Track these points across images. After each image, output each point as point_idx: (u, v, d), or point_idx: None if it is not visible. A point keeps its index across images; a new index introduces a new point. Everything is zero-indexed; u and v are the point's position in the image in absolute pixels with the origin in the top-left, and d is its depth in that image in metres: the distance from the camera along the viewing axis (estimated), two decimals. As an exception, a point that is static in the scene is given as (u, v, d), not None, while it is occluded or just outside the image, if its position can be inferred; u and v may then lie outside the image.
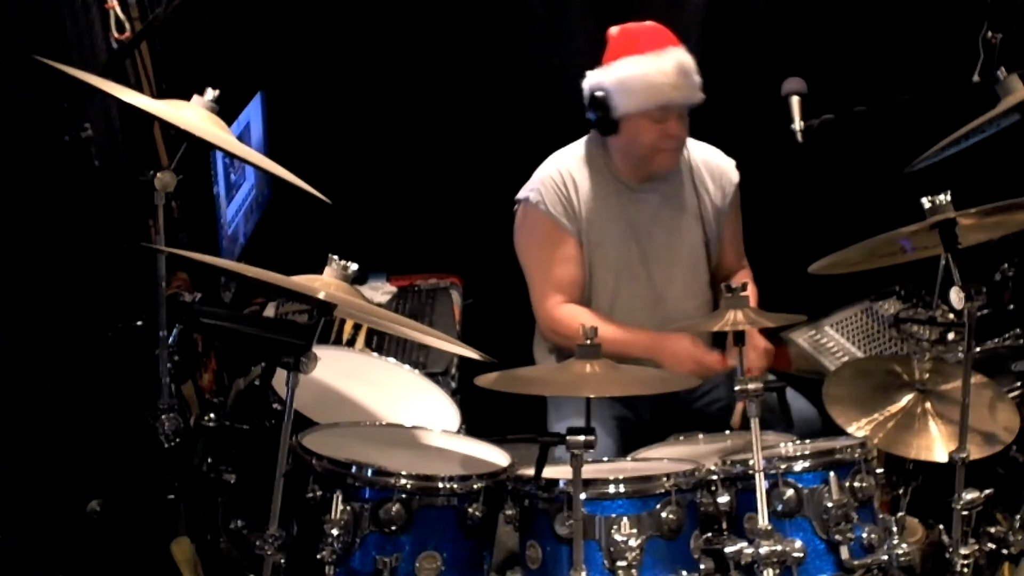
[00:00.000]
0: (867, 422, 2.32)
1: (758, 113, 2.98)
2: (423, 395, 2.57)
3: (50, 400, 2.31)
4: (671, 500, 2.01)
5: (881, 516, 2.13)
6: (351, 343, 3.04)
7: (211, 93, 2.20)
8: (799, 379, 2.85)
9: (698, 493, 2.09)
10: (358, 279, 2.08)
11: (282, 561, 1.94)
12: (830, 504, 2.05)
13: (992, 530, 2.34)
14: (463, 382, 2.99)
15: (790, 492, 2.06)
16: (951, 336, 2.70)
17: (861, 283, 3.04)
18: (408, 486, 1.99)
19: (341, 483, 1.99)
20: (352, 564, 1.98)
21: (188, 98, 2.20)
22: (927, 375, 2.41)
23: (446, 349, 2.43)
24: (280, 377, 1.94)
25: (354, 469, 2.00)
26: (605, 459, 2.39)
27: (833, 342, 3.00)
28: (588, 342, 2.01)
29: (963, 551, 2.15)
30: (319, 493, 2.00)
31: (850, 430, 2.30)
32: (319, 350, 1.92)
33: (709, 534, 2.08)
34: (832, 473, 2.07)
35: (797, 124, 2.58)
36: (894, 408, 2.36)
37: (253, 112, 3.29)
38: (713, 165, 2.92)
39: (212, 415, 2.33)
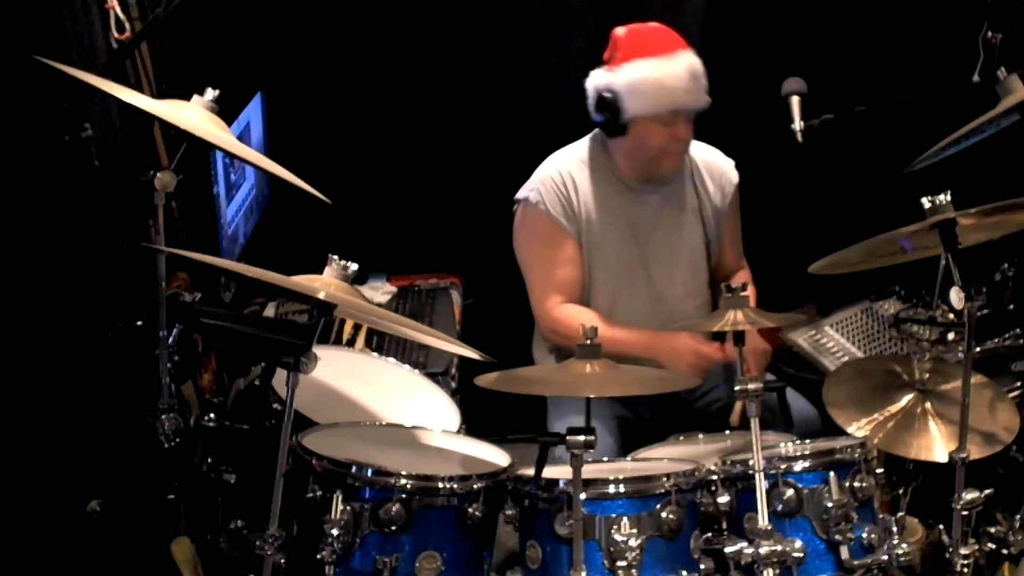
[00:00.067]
0: (867, 422, 2.32)
1: (758, 113, 2.98)
2: (423, 395, 2.57)
3: (50, 400, 2.31)
4: (671, 500, 2.01)
5: (881, 516, 2.13)
6: (351, 343, 3.04)
7: (211, 93, 2.20)
8: (799, 379, 2.85)
9: (698, 493, 2.09)
10: (358, 279, 2.08)
11: (282, 561, 1.94)
12: (830, 504, 2.05)
13: (992, 530, 2.34)
14: (463, 382, 2.99)
15: (790, 492, 2.06)
16: (951, 336, 2.70)
17: (861, 283, 3.04)
18: (408, 486, 1.99)
19: (341, 483, 1.99)
20: (352, 564, 1.98)
21: (188, 98, 2.20)
22: (927, 375, 2.41)
23: (446, 349, 2.43)
24: (280, 377, 1.94)
25: (354, 469, 2.00)
26: (605, 459, 2.39)
27: (833, 342, 3.00)
28: (588, 342, 2.01)
29: (963, 551, 2.15)
30: (319, 493, 2.00)
31: (850, 430, 2.30)
32: (319, 350, 1.92)
33: (709, 534, 2.08)
34: (832, 473, 2.07)
35: (797, 124, 2.58)
36: (894, 408, 2.36)
37: (253, 112, 3.29)
38: (713, 165, 2.92)
39: (212, 415, 2.33)
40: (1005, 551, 2.34)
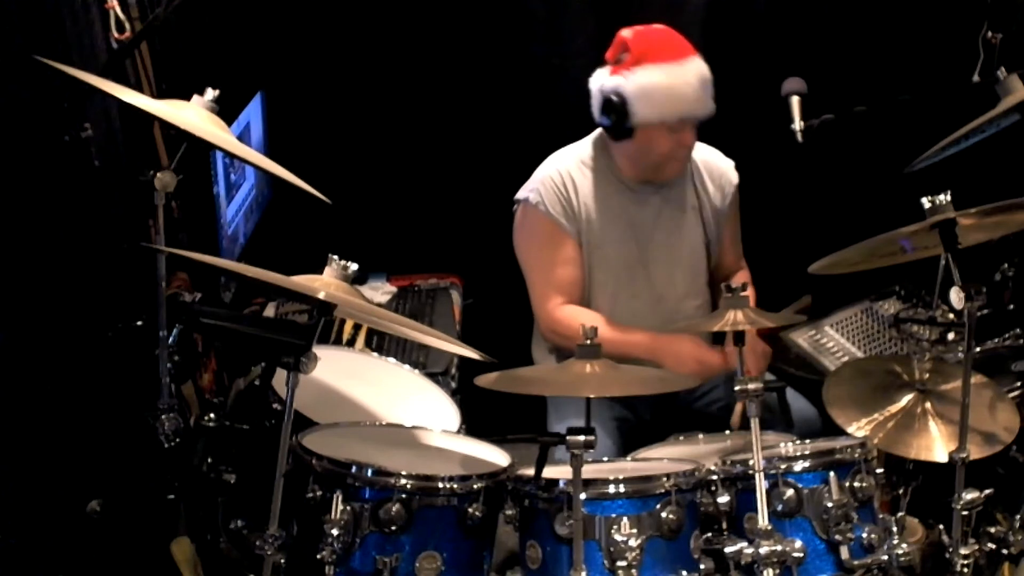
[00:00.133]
0: (867, 422, 2.32)
1: (758, 113, 2.98)
2: (423, 395, 2.57)
3: (50, 400, 2.31)
4: (671, 500, 2.01)
5: (881, 516, 2.13)
6: (351, 343, 3.04)
7: (211, 93, 2.20)
8: (799, 379, 2.85)
9: (698, 493, 2.09)
10: (358, 279, 2.08)
11: (282, 561, 1.94)
12: (830, 504, 2.05)
13: (992, 530, 2.34)
14: (463, 382, 2.99)
15: (790, 492, 2.06)
16: (951, 336, 2.70)
17: (861, 283, 3.04)
18: (408, 486, 1.99)
19: (341, 483, 1.99)
20: (352, 564, 1.98)
21: (188, 98, 2.20)
22: (927, 375, 2.41)
23: (446, 349, 2.43)
24: (280, 377, 1.94)
25: (354, 469, 2.00)
26: (605, 459, 2.39)
27: (833, 342, 3.00)
28: (588, 342, 2.01)
29: (963, 551, 2.15)
30: (319, 493, 2.00)
31: (850, 430, 2.30)
32: (319, 350, 1.92)
33: (709, 534, 2.08)
34: (832, 473, 2.07)
35: (797, 124, 2.58)
36: (894, 408, 2.36)
37: (253, 112, 3.29)
38: (713, 166, 2.92)
39: (212, 415, 2.33)
40: (1005, 551, 2.34)
